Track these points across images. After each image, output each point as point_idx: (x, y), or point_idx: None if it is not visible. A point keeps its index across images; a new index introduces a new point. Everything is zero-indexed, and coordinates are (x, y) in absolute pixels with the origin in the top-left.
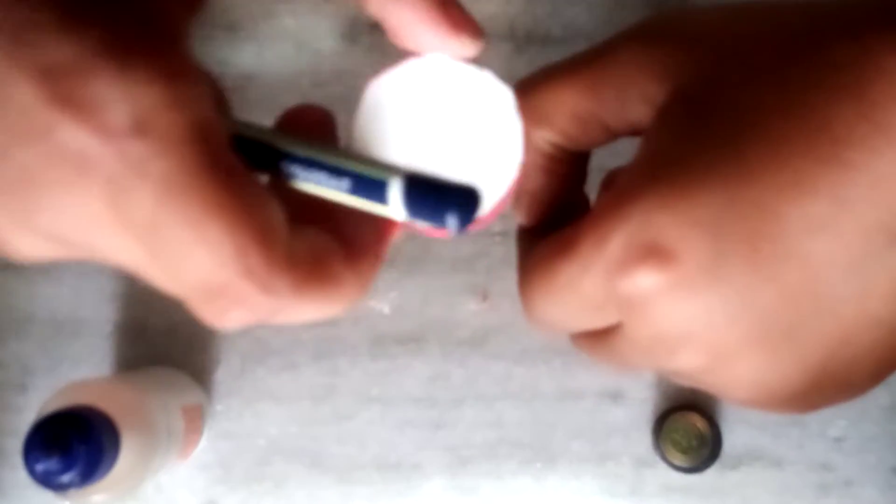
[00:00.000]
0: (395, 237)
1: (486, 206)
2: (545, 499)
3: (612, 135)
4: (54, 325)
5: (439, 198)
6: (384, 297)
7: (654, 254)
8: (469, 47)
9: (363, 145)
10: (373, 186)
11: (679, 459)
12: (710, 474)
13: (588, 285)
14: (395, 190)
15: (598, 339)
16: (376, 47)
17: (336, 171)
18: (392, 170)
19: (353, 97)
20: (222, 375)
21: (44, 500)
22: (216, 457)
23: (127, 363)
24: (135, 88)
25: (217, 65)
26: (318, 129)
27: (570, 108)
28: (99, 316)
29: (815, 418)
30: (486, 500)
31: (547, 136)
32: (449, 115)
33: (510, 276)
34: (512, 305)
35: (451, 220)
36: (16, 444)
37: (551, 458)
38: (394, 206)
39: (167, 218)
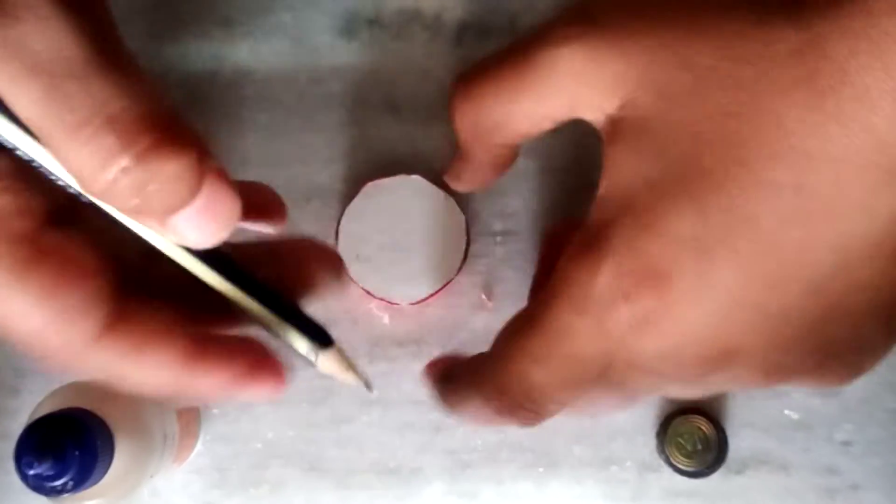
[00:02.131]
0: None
1: (434, 287)
2: None
3: (559, 125)
4: None
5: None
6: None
7: (648, 277)
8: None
9: (349, 236)
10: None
11: (683, 463)
12: (715, 479)
13: (584, 326)
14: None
15: (591, 384)
16: (374, 43)
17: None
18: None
19: (350, 93)
20: None
21: None
22: (212, 461)
23: None
24: None
25: (212, 60)
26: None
27: (514, 123)
28: None
29: (821, 422)
30: None
31: (494, 142)
32: (416, 220)
33: (511, 276)
34: (513, 306)
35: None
36: (8, 449)
37: (553, 462)
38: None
39: None
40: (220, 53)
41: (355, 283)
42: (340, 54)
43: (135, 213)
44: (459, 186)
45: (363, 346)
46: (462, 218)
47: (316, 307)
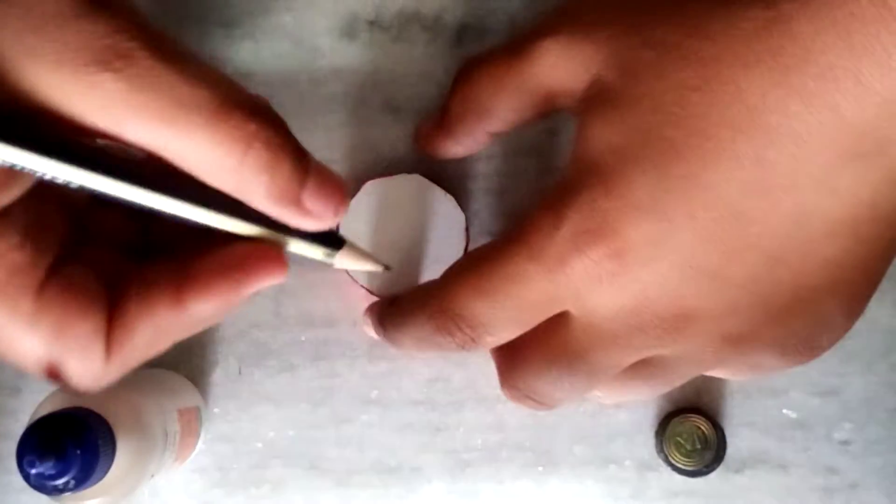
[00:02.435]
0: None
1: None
2: (547, 503)
3: (542, 116)
4: None
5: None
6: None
7: (604, 236)
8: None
9: (349, 235)
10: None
11: (682, 463)
12: (714, 478)
13: (536, 274)
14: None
15: (543, 339)
16: (374, 44)
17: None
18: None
19: (351, 94)
20: (219, 378)
21: None
22: (213, 460)
23: None
24: None
25: (213, 62)
26: None
27: (499, 111)
28: None
29: (821, 421)
30: None
31: (479, 126)
32: (416, 220)
33: None
34: None
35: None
36: (10, 448)
37: (553, 461)
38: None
39: None
40: (221, 55)
41: (355, 282)
42: (341, 56)
43: (268, 185)
44: (428, 149)
45: (363, 346)
46: (462, 218)
47: (316, 307)
